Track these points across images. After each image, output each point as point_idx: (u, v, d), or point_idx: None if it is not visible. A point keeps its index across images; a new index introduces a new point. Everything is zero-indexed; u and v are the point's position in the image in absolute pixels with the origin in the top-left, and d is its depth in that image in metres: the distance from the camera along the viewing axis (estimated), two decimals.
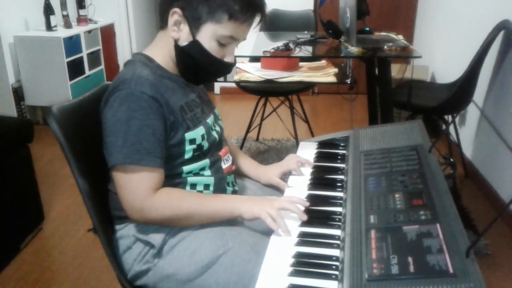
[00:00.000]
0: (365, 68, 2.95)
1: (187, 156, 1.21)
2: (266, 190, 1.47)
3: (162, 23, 1.20)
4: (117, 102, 1.11)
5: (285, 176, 1.42)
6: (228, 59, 1.21)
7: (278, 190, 1.46)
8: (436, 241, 0.85)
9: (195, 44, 1.16)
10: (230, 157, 1.36)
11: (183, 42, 1.18)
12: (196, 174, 1.24)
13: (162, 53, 1.22)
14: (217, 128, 1.33)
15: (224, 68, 1.24)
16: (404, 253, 0.84)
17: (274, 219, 1.10)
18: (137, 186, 1.11)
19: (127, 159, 1.10)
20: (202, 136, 1.22)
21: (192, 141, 1.20)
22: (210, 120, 1.29)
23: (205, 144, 1.23)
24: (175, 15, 1.15)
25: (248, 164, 1.51)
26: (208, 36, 1.16)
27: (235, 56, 1.27)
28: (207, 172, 1.26)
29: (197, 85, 1.32)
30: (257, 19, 1.20)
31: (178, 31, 1.17)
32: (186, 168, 1.22)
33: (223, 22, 1.14)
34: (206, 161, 1.25)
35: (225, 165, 1.31)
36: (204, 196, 1.23)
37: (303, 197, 1.23)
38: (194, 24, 1.15)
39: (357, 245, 0.90)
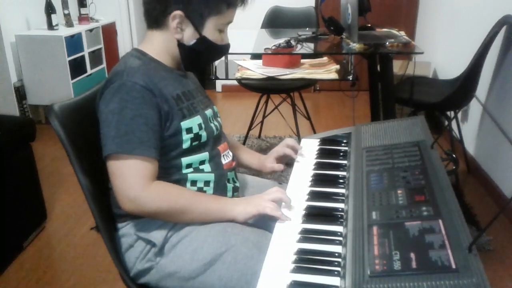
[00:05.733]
0: (367, 65, 2.95)
1: (185, 146, 1.21)
2: (268, 186, 1.47)
3: (154, 24, 1.23)
4: (110, 94, 1.13)
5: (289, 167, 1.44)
6: (225, 41, 1.28)
7: (280, 184, 1.47)
8: (438, 237, 0.85)
9: (202, 40, 1.21)
10: (230, 153, 1.37)
11: (189, 41, 1.21)
12: (196, 169, 1.24)
13: (156, 48, 1.25)
14: (216, 123, 1.34)
15: (224, 51, 1.31)
16: (406, 249, 0.83)
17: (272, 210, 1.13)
18: (131, 175, 1.11)
19: (119, 149, 1.10)
20: (199, 126, 1.23)
21: (189, 130, 1.21)
22: (208, 112, 1.31)
23: (203, 134, 1.24)
24: (177, 18, 1.18)
25: (250, 157, 1.52)
26: (212, 28, 1.21)
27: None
28: (207, 167, 1.26)
29: (196, 71, 1.38)
30: None
31: (181, 32, 1.20)
32: (185, 160, 1.22)
33: (223, 12, 1.20)
34: (205, 154, 1.26)
35: (225, 161, 1.32)
36: (199, 194, 1.23)
37: (305, 193, 1.23)
38: (198, 22, 1.19)
39: (359, 242, 0.90)
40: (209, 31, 1.21)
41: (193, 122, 1.22)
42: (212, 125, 1.30)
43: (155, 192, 1.13)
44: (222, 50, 1.29)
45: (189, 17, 1.18)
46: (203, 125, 1.24)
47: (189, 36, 1.21)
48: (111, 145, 1.11)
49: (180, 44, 1.22)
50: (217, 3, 1.18)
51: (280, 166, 1.44)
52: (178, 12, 1.17)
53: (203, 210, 1.18)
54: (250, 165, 1.51)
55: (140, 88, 1.12)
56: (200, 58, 1.26)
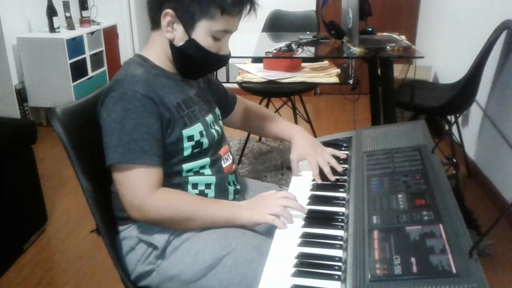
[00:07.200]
0: (367, 69, 2.95)
1: (186, 153, 1.21)
2: (268, 189, 1.47)
3: (153, 24, 1.22)
4: (112, 103, 1.13)
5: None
6: (223, 51, 1.23)
7: (280, 187, 1.47)
8: (439, 242, 0.85)
9: (191, 43, 1.18)
10: (230, 156, 1.37)
11: (179, 42, 1.19)
12: (197, 173, 1.24)
13: (156, 52, 1.23)
14: (217, 127, 1.33)
15: (221, 61, 1.26)
16: (407, 253, 0.84)
17: (280, 215, 1.12)
18: (136, 184, 1.11)
19: (122, 158, 1.11)
20: (201, 133, 1.23)
21: (190, 138, 1.21)
22: (209, 118, 1.30)
23: (205, 141, 1.24)
24: (168, 16, 1.16)
25: (281, 126, 1.51)
26: (203, 33, 1.17)
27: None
28: (208, 171, 1.26)
29: (194, 80, 1.33)
30: (247, 8, 1.20)
31: (172, 31, 1.18)
32: (186, 166, 1.22)
33: (216, 18, 1.15)
34: (206, 160, 1.26)
35: (225, 164, 1.32)
36: (205, 200, 1.22)
37: (305, 197, 1.23)
38: (188, 23, 1.16)
39: (360, 246, 0.90)
40: (200, 34, 1.17)
41: (194, 130, 1.22)
42: (213, 130, 1.29)
43: (160, 200, 1.13)
44: (217, 59, 1.23)
45: (179, 16, 1.15)
46: (204, 132, 1.24)
47: (179, 37, 1.18)
48: (114, 154, 1.11)
49: (171, 45, 1.20)
50: (209, 6, 1.13)
51: (297, 174, 1.39)
52: (168, 11, 1.14)
53: (209, 217, 1.17)
54: (277, 134, 1.50)
55: (141, 97, 1.12)
56: (192, 64, 1.22)
